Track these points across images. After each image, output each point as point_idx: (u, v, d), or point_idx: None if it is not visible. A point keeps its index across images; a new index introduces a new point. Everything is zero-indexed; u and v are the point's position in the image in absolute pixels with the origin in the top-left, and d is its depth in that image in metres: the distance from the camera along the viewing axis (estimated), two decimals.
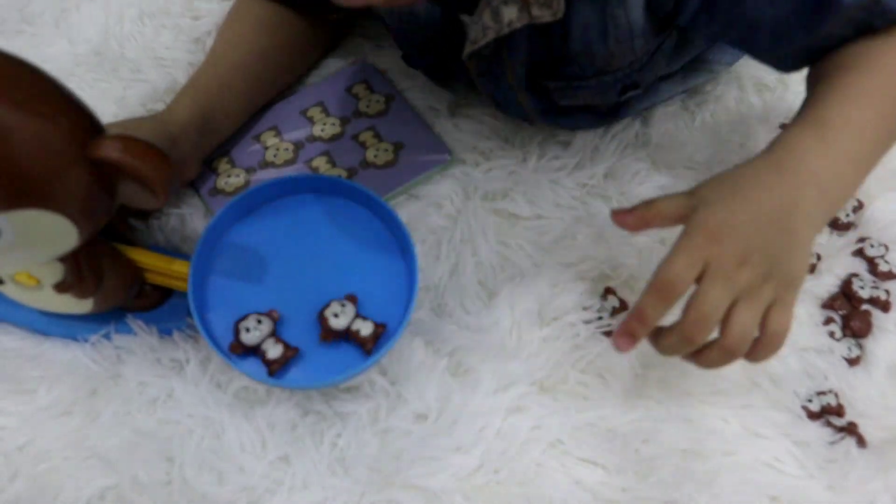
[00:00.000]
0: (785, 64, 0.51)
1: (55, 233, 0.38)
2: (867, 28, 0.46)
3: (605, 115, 0.60)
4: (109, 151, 0.36)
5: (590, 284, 0.55)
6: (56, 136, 0.35)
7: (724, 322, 0.42)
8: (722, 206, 0.43)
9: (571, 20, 0.47)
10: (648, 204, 0.45)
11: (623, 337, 0.43)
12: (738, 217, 0.42)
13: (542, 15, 0.45)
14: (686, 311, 0.42)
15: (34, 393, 0.49)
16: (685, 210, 0.43)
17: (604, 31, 0.48)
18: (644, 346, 0.53)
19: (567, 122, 0.61)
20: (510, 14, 0.46)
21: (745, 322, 0.42)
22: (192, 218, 0.57)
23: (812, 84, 0.49)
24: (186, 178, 0.57)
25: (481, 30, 0.47)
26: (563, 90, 0.54)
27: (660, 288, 0.42)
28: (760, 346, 0.43)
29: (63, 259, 0.42)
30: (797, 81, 0.68)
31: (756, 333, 0.43)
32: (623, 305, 0.55)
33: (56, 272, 0.43)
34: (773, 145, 0.46)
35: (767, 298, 0.43)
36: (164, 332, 0.51)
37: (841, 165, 0.45)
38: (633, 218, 0.45)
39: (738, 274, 0.42)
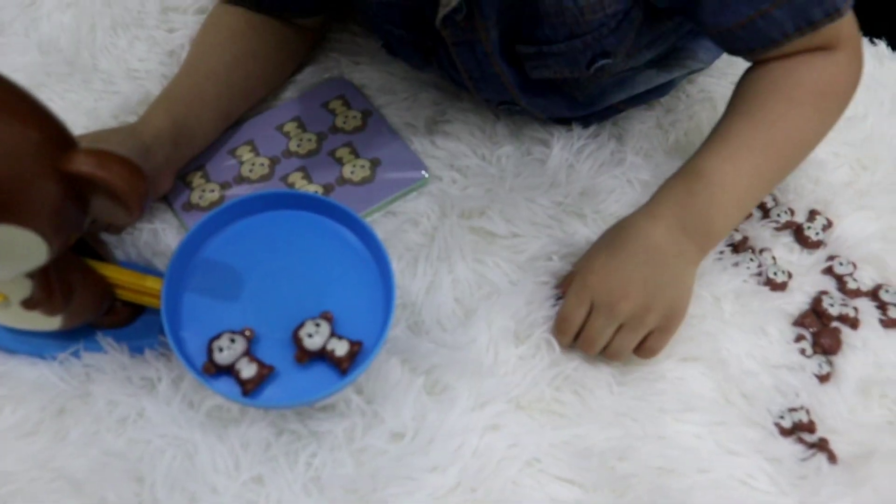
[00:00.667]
0: (730, 43, 0.55)
1: (24, 248, 0.37)
2: (806, 21, 0.50)
3: (582, 104, 0.61)
4: (82, 165, 0.35)
5: None
6: (26, 149, 0.34)
7: (609, 342, 0.52)
8: (603, 251, 0.53)
9: None
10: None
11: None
12: (616, 261, 0.52)
13: None
14: (580, 334, 0.53)
15: (0, 412, 0.48)
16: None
17: None
18: (623, 366, 0.54)
19: (544, 105, 0.62)
20: None
21: (622, 344, 0.52)
22: (166, 233, 0.56)
23: (733, 99, 0.56)
24: (160, 192, 0.56)
25: None
26: (535, 58, 0.55)
27: (559, 323, 0.53)
28: (636, 356, 0.54)
29: (31, 275, 0.41)
30: None
31: (631, 350, 0.52)
32: None
33: (24, 288, 0.42)
34: (651, 202, 0.55)
35: (650, 324, 0.52)
36: (135, 350, 0.50)
37: (706, 212, 0.53)
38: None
39: (619, 307, 0.51)
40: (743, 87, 0.56)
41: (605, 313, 0.51)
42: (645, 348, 0.53)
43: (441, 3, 0.49)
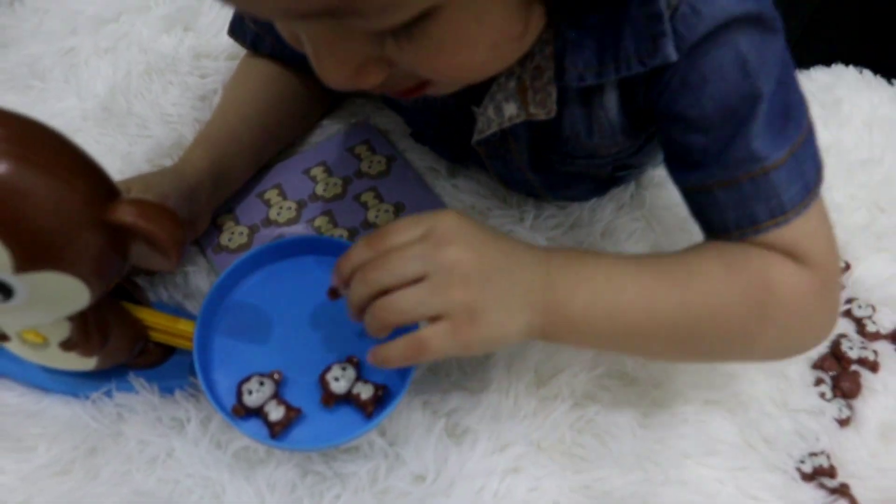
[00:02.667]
0: (695, 204, 0.48)
1: (68, 293, 0.38)
2: (750, 220, 0.45)
3: (604, 182, 0.61)
4: (125, 215, 0.37)
5: None
6: (73, 200, 0.36)
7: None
8: (488, 234, 0.45)
9: (563, 118, 0.49)
10: None
11: None
12: (485, 241, 0.43)
13: (538, 113, 0.47)
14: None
15: (33, 450, 0.49)
16: None
17: (589, 127, 0.49)
18: (643, 407, 0.54)
19: (569, 194, 0.63)
20: (510, 110, 0.48)
21: (405, 298, 0.42)
22: (196, 275, 0.57)
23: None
24: (199, 232, 0.58)
25: (486, 121, 0.49)
26: (562, 162, 0.55)
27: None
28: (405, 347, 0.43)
29: (71, 317, 0.43)
30: None
31: (406, 315, 0.42)
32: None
33: (63, 330, 0.44)
34: (552, 250, 0.47)
35: (452, 301, 0.42)
36: (166, 391, 0.51)
37: (576, 298, 0.44)
38: None
39: (443, 249, 0.42)
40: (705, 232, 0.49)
41: (424, 247, 0.42)
42: (420, 337, 0.42)
43: (477, 129, 0.50)
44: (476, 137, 0.51)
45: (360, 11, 0.31)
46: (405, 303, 0.41)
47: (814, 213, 0.45)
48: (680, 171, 0.47)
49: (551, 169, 0.56)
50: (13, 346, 0.47)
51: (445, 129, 0.59)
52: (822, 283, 0.46)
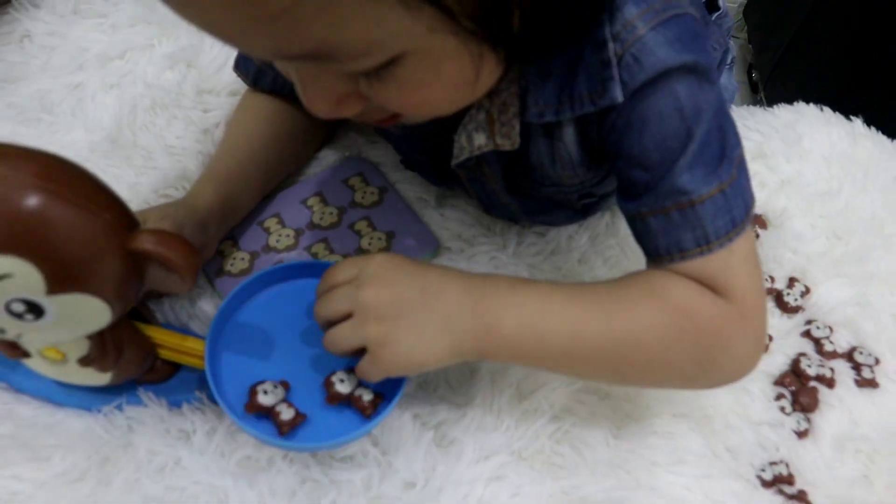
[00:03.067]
0: (635, 232, 0.51)
1: (91, 313, 0.42)
2: (677, 246, 0.47)
3: (578, 211, 0.66)
4: (145, 244, 0.41)
5: None
6: (99, 230, 0.40)
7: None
8: (407, 263, 0.50)
9: (529, 148, 0.53)
10: None
11: None
12: (404, 271, 0.49)
13: (504, 144, 0.51)
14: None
15: (49, 460, 0.51)
16: None
17: (552, 158, 0.54)
18: (616, 420, 0.58)
19: (546, 220, 0.67)
20: (479, 140, 0.52)
21: (338, 334, 0.48)
22: (200, 298, 0.61)
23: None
24: (206, 258, 0.61)
25: (460, 148, 0.54)
26: (534, 188, 0.60)
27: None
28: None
29: (90, 335, 0.47)
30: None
31: (341, 347, 0.48)
32: None
33: (82, 347, 0.47)
34: (488, 278, 0.51)
35: (368, 334, 0.47)
36: (174, 404, 0.54)
37: (503, 317, 0.48)
38: None
39: (362, 291, 0.47)
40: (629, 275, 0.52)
41: (350, 289, 0.48)
42: (358, 367, 0.48)
43: (454, 153, 0.55)
44: (453, 162, 0.56)
45: (337, 57, 0.37)
46: (336, 336, 0.48)
47: (738, 247, 0.47)
48: (623, 200, 0.50)
49: (526, 194, 0.61)
50: (32, 363, 0.50)
51: (430, 154, 0.63)
52: (739, 314, 0.48)
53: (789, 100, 0.88)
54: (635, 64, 0.45)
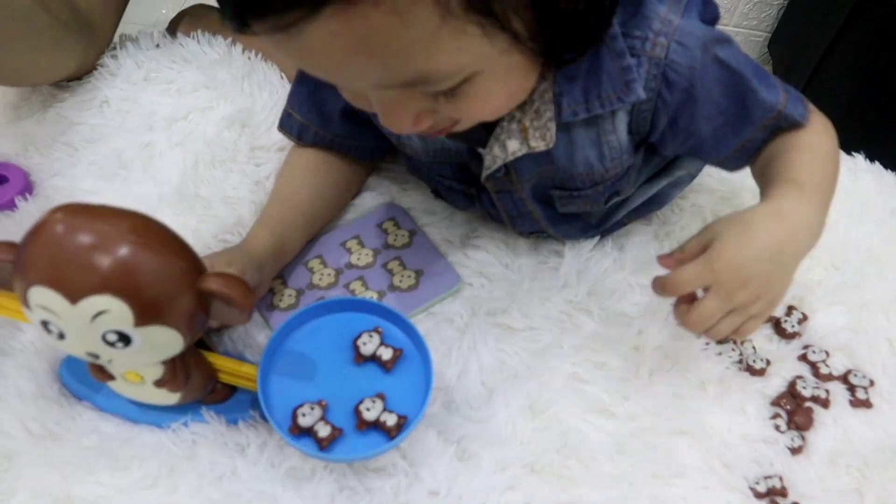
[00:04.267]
0: (728, 165, 0.68)
1: (168, 342, 0.51)
2: (778, 130, 0.62)
3: (594, 226, 0.75)
4: (213, 284, 0.50)
5: (573, 384, 0.66)
6: (176, 273, 0.49)
7: (709, 318, 0.55)
8: (733, 243, 0.54)
9: (575, 157, 0.63)
10: (681, 248, 0.58)
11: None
12: (743, 252, 0.54)
13: (538, 145, 0.60)
14: (690, 310, 0.55)
15: (127, 469, 0.59)
16: (705, 243, 0.55)
17: (601, 153, 0.63)
18: (620, 437, 0.64)
19: (565, 230, 0.75)
20: (513, 146, 0.61)
21: (728, 327, 0.56)
22: (253, 330, 0.69)
23: (759, 172, 0.64)
24: (260, 296, 0.70)
25: (492, 158, 0.62)
26: (563, 199, 0.69)
27: (665, 285, 0.56)
28: (729, 336, 0.58)
29: (164, 361, 0.56)
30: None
31: (732, 331, 0.57)
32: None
33: (157, 371, 0.56)
34: (767, 199, 0.58)
35: (754, 311, 0.56)
36: (231, 422, 0.62)
37: (816, 213, 0.59)
38: (671, 261, 0.58)
39: (736, 294, 0.54)
40: (761, 159, 0.64)
41: (722, 297, 0.54)
42: (741, 331, 0.57)
43: (484, 165, 0.63)
44: (484, 173, 0.64)
45: (428, 82, 0.46)
46: (725, 329, 0.57)
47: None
48: (721, 148, 0.63)
49: (550, 202, 0.69)
50: (115, 385, 0.59)
51: (459, 178, 0.71)
52: (820, 123, 0.64)
53: None
54: (682, 48, 0.56)
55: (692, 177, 0.80)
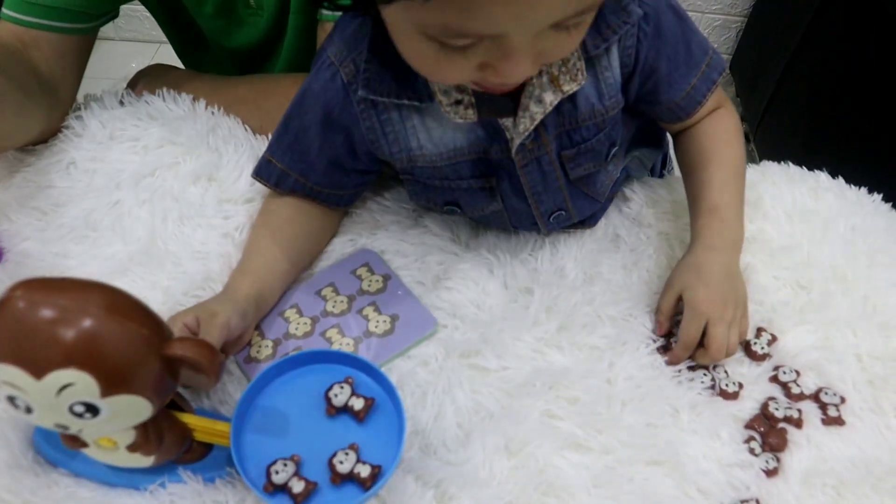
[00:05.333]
0: (674, 113, 0.76)
1: (136, 409, 0.51)
2: (711, 82, 0.73)
3: (598, 200, 0.81)
4: (177, 350, 0.50)
5: (547, 420, 0.67)
6: (140, 343, 0.49)
7: (723, 342, 0.71)
8: (699, 286, 0.72)
9: (578, 98, 0.67)
10: (658, 309, 0.76)
11: (673, 361, 0.73)
12: (708, 287, 0.72)
13: (571, 87, 0.65)
14: (710, 346, 0.71)
15: None
16: (676, 298, 0.74)
17: (599, 92, 0.68)
18: (595, 471, 0.64)
19: (580, 207, 0.80)
20: (549, 97, 0.65)
21: (732, 339, 0.72)
22: (229, 384, 0.69)
23: (683, 161, 0.81)
24: (243, 344, 0.71)
25: (530, 118, 0.65)
26: (574, 159, 0.73)
27: (685, 344, 0.72)
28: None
29: (135, 426, 0.56)
30: None
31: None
32: None
33: (129, 436, 0.56)
34: (696, 237, 0.75)
35: (737, 318, 0.72)
36: (208, 480, 0.62)
37: (735, 227, 0.75)
38: (660, 328, 0.75)
39: (725, 314, 0.71)
40: (687, 153, 0.80)
41: (720, 323, 0.70)
42: (741, 334, 0.73)
43: (518, 131, 0.67)
44: (518, 141, 0.67)
45: (594, 9, 0.52)
46: (733, 342, 0.72)
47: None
48: (675, 89, 0.73)
49: (571, 160, 0.73)
50: (90, 451, 0.59)
51: (478, 173, 0.73)
52: (730, 106, 0.81)
53: (777, 149, 0.97)
54: None
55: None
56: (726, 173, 0.76)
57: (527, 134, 0.66)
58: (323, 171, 0.76)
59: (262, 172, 0.79)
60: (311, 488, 0.57)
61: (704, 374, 0.72)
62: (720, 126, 0.78)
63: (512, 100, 0.65)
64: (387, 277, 0.78)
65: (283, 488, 0.57)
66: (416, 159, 0.71)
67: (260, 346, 0.73)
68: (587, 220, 0.84)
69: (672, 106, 0.75)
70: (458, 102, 0.65)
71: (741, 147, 0.79)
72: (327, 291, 0.78)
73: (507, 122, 0.67)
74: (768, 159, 0.95)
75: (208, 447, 0.64)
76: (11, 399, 0.49)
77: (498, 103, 0.65)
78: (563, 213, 0.79)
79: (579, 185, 0.76)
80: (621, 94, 0.71)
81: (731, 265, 0.74)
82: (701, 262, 0.73)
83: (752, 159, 0.96)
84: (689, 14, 0.72)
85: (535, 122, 0.66)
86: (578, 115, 0.69)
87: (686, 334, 0.71)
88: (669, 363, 0.73)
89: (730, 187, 0.76)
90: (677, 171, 0.85)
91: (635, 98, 0.73)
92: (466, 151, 0.70)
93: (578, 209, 0.80)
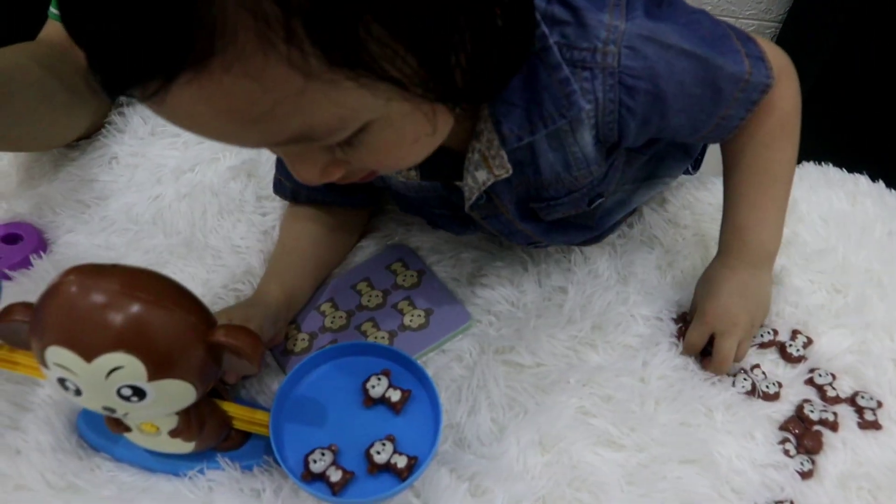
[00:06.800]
0: (709, 139, 0.69)
1: (181, 394, 0.53)
2: (751, 105, 0.63)
3: (592, 228, 0.77)
4: (222, 337, 0.51)
5: (581, 417, 0.67)
6: (187, 329, 0.51)
7: (728, 354, 0.71)
8: (708, 299, 0.73)
9: (541, 166, 0.63)
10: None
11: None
12: (717, 300, 0.72)
13: (501, 173, 0.61)
14: (714, 357, 0.72)
15: None
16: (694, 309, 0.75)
17: (567, 164, 0.63)
18: (629, 468, 0.65)
19: (565, 239, 0.77)
20: (482, 176, 0.62)
21: (739, 353, 0.72)
22: (267, 376, 0.70)
23: (725, 168, 0.73)
24: (278, 342, 0.72)
25: (469, 189, 0.64)
26: (545, 209, 0.70)
27: (686, 349, 0.73)
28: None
29: (178, 412, 0.57)
30: None
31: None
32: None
33: (172, 421, 0.57)
34: (719, 250, 0.74)
35: (748, 334, 0.72)
36: (246, 468, 0.63)
37: (760, 248, 0.72)
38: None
39: (734, 330, 0.71)
40: (723, 153, 0.72)
41: (727, 337, 0.71)
42: (738, 355, 0.72)
43: (465, 197, 0.65)
44: (467, 205, 0.65)
45: (315, 137, 0.44)
46: (739, 354, 0.73)
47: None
48: (696, 129, 0.64)
49: (538, 219, 0.70)
50: (132, 436, 0.61)
51: (448, 208, 0.73)
52: (784, 75, 0.65)
53: (811, 152, 0.94)
54: (633, 52, 0.55)
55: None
56: (760, 180, 0.70)
57: (473, 200, 0.65)
58: (325, 187, 0.76)
59: (277, 190, 0.81)
60: (349, 478, 0.57)
61: (745, 378, 0.72)
62: (762, 125, 0.67)
63: (456, 166, 0.63)
64: (421, 273, 0.79)
65: (321, 477, 0.58)
66: (389, 187, 0.73)
67: (296, 340, 0.74)
68: (589, 241, 0.81)
69: (699, 138, 0.68)
70: None
71: (787, 144, 0.70)
72: (362, 286, 0.79)
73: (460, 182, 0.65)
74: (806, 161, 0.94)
75: (246, 436, 0.65)
76: (62, 381, 0.50)
77: (440, 169, 0.63)
78: (541, 244, 0.78)
79: (564, 222, 0.74)
80: (603, 159, 0.65)
81: (749, 281, 0.72)
82: (715, 277, 0.74)
83: None
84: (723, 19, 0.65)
85: (476, 195, 0.64)
86: (543, 179, 0.65)
87: (687, 340, 0.73)
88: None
89: (762, 199, 0.71)
90: (714, 170, 0.84)
91: (645, 144, 0.68)
92: (429, 190, 0.71)
93: (563, 241, 0.78)
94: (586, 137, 0.60)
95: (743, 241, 0.72)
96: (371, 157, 0.49)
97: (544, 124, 0.57)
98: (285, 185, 0.79)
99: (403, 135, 0.49)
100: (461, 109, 0.53)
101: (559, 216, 0.71)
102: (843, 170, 0.94)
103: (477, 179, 0.62)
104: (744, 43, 0.61)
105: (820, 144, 0.97)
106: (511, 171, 0.61)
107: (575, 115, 0.57)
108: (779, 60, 0.65)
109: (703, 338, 0.72)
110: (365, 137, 0.46)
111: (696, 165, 0.99)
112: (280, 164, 0.79)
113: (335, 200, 0.79)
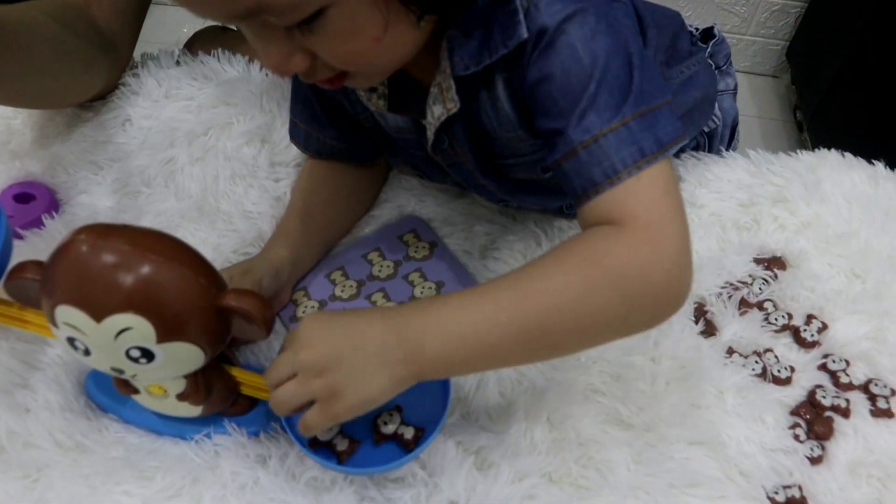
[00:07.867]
0: (570, 182, 0.54)
1: (190, 357, 0.53)
2: (589, 182, 0.51)
3: (566, 195, 0.62)
4: (231, 301, 0.51)
5: (590, 395, 0.67)
6: (197, 291, 0.50)
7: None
8: (325, 316, 0.57)
9: (480, 113, 0.62)
10: None
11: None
12: (329, 325, 0.54)
13: (451, 107, 0.60)
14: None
15: (152, 479, 0.60)
16: None
17: (498, 119, 0.62)
18: (636, 447, 0.64)
19: (536, 202, 0.75)
20: (438, 111, 0.61)
21: (286, 393, 0.53)
22: (276, 342, 0.70)
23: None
24: (282, 303, 0.72)
25: (429, 126, 0.63)
26: (507, 167, 0.68)
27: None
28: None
29: (186, 375, 0.57)
30: (768, 221, 0.81)
31: (292, 405, 0.54)
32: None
33: (180, 385, 0.57)
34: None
35: (315, 389, 0.52)
36: (252, 433, 0.63)
37: (422, 334, 0.51)
38: None
39: (300, 353, 0.53)
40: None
41: (289, 354, 0.53)
42: (301, 421, 0.54)
43: (427, 136, 0.64)
44: (429, 145, 0.64)
45: (272, 11, 0.45)
46: (283, 397, 0.53)
47: (648, 175, 0.50)
48: (548, 157, 0.55)
49: (499, 174, 0.68)
50: (140, 398, 0.61)
51: (423, 150, 0.69)
52: (647, 240, 0.49)
53: (833, 139, 0.92)
54: (536, 10, 0.52)
55: None
56: (508, 291, 0.51)
57: (432, 142, 0.64)
58: (331, 126, 0.76)
59: (292, 134, 0.80)
60: (355, 447, 0.57)
61: (756, 362, 0.71)
62: (581, 242, 0.52)
63: (424, 102, 0.62)
64: (433, 245, 0.78)
65: (327, 445, 0.58)
66: (383, 126, 0.72)
67: (306, 307, 0.73)
68: (573, 213, 0.76)
69: (556, 169, 0.54)
70: (372, 90, 0.65)
71: (585, 287, 0.50)
72: (374, 256, 0.78)
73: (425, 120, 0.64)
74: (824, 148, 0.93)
75: (254, 402, 0.65)
76: (71, 341, 0.50)
77: (408, 101, 0.63)
78: (509, 203, 0.76)
79: (532, 183, 0.70)
80: (529, 134, 0.61)
81: (374, 352, 0.51)
82: (359, 312, 0.55)
83: (805, 148, 0.93)
84: None
85: (432, 133, 0.63)
86: (487, 131, 0.63)
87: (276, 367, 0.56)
88: None
89: (485, 306, 0.51)
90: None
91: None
92: (406, 131, 0.70)
93: (534, 203, 0.76)
94: (501, 91, 0.59)
95: (426, 312, 0.52)
96: (330, 47, 0.50)
97: (489, 54, 0.55)
98: (298, 127, 0.78)
99: (359, 26, 0.49)
100: (425, 23, 0.53)
101: (522, 176, 0.69)
102: (860, 158, 0.92)
103: (434, 114, 0.61)
104: (652, 115, 0.52)
105: (837, 133, 0.96)
106: (459, 106, 0.59)
107: (515, 44, 0.53)
108: (672, 218, 0.51)
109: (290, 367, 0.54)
110: (323, 23, 0.47)
111: (732, 138, 0.95)
112: (294, 102, 0.77)
113: (344, 150, 0.78)
